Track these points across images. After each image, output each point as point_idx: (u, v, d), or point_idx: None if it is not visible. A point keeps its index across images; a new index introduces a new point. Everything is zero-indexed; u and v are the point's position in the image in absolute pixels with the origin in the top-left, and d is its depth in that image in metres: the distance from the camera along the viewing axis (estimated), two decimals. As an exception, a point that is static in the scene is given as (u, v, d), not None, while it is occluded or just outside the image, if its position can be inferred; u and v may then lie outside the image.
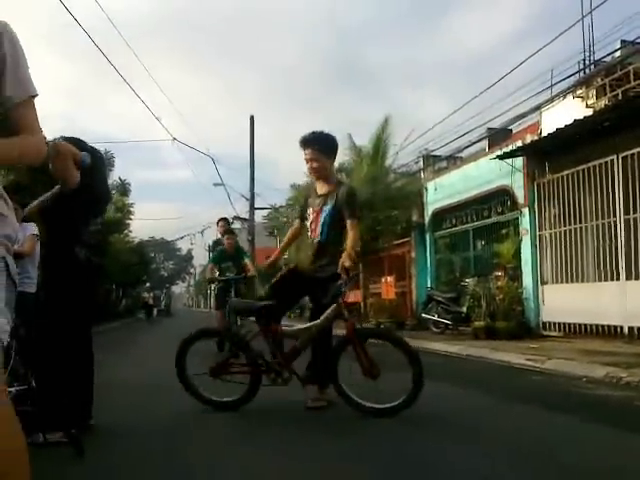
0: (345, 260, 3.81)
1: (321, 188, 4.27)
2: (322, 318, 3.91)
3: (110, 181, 30.88)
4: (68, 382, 3.21)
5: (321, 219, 4.16)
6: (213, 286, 8.49)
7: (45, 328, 3.30)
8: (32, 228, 5.01)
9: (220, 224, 8.95)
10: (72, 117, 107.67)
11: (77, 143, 3.20)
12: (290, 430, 3.52)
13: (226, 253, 8.15)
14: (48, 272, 3.38)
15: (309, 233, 4.25)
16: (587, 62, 10.78)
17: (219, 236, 9.06)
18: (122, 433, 3.42)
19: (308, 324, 4.04)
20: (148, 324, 23.74)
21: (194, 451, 3.04)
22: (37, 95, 1.50)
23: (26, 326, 4.69)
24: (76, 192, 3.17)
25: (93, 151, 3.35)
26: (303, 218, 4.37)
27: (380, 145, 14.18)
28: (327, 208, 4.15)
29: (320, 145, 4.18)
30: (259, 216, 25.10)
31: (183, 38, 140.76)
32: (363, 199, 13.39)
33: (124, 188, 31.49)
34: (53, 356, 3.22)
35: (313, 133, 4.21)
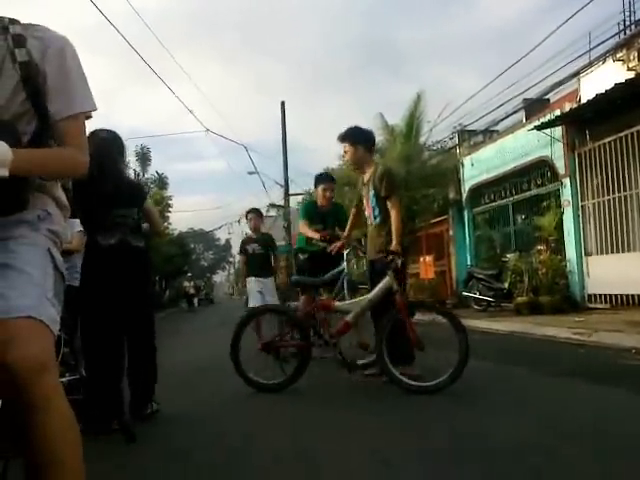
0: (393, 246, 4.10)
1: (365, 177, 4.59)
2: (373, 292, 4.11)
3: (147, 175, 31.49)
4: (113, 372, 3.31)
5: (370, 205, 4.49)
6: (301, 256, 5.77)
7: (82, 317, 3.41)
8: (78, 225, 5.13)
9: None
10: (107, 113, 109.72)
11: None
12: (332, 408, 3.56)
13: (318, 209, 5.62)
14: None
15: (368, 222, 4.58)
16: (627, 22, 10.31)
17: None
18: (169, 420, 3.50)
19: (358, 298, 4.29)
20: (191, 313, 24.23)
21: (241, 434, 3.10)
22: (86, 111, 1.48)
23: (74, 317, 4.88)
24: (85, 182, 3.20)
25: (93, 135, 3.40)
26: (359, 207, 4.78)
27: (413, 123, 13.94)
28: (371, 194, 4.45)
29: (352, 137, 4.54)
30: (294, 202, 25.13)
31: (211, 30, 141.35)
32: (398, 178, 13.25)
33: (162, 182, 32.06)
34: (96, 345, 3.32)
35: (348, 128, 4.59)
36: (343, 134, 4.60)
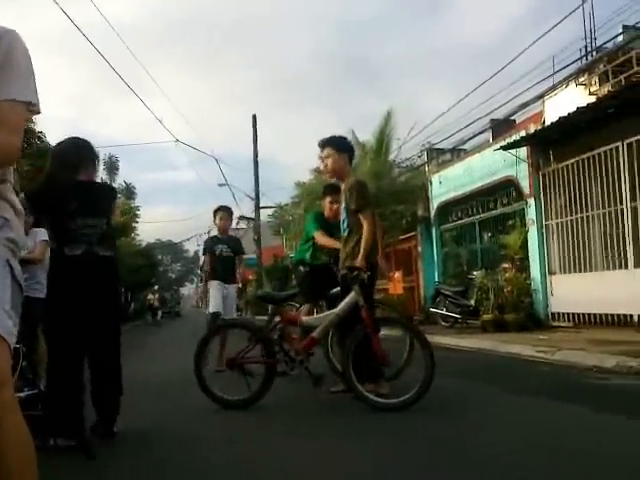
0: (358, 261, 4.02)
1: (343, 188, 4.48)
2: (339, 307, 4.03)
3: (115, 184, 30.99)
4: (74, 387, 3.20)
5: (342, 216, 4.42)
6: (302, 269, 5.47)
7: (48, 330, 3.31)
8: (43, 234, 4.97)
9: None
10: (77, 122, 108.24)
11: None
12: (298, 425, 3.52)
13: (325, 221, 5.27)
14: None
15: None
16: (589, 48, 10.67)
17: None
18: (132, 438, 3.41)
19: (324, 313, 4.19)
20: (156, 327, 23.80)
21: (206, 453, 3.04)
22: (24, 100, 1.44)
23: (34, 331, 4.73)
24: (42, 192, 3.16)
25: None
26: None
27: (383, 140, 14.13)
28: (343, 206, 4.39)
29: (337, 144, 4.44)
30: (264, 215, 25.08)
31: (186, 41, 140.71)
32: (369, 192, 13.37)
33: (129, 191, 31.62)
34: (58, 360, 3.22)
35: (333, 135, 4.50)
36: (327, 139, 4.46)
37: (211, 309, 6.37)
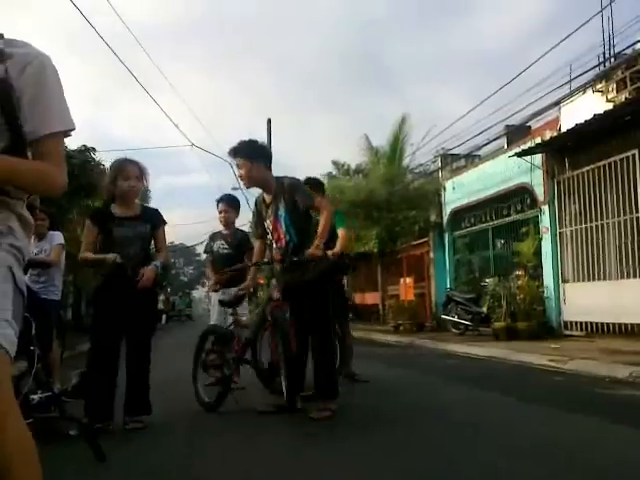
0: (312, 250, 3.75)
1: (267, 197, 4.09)
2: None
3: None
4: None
5: (282, 225, 3.98)
6: None
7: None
8: (59, 238, 5.08)
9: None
10: (94, 124, 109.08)
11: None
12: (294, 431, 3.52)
13: None
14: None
15: (275, 245, 4.10)
16: (607, 55, 10.57)
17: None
18: (134, 436, 3.45)
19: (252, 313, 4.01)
20: (160, 331, 23.66)
21: (205, 459, 3.06)
22: (65, 130, 1.44)
23: (49, 333, 4.79)
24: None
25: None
26: (263, 235, 4.24)
27: (397, 145, 14.18)
28: (282, 212, 3.97)
29: (246, 152, 4.00)
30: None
31: (202, 42, 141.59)
32: (381, 200, 13.42)
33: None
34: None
35: (242, 142, 4.07)
36: (236, 147, 4.03)
37: (212, 321, 5.52)
